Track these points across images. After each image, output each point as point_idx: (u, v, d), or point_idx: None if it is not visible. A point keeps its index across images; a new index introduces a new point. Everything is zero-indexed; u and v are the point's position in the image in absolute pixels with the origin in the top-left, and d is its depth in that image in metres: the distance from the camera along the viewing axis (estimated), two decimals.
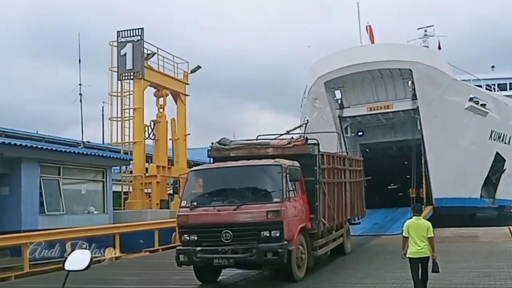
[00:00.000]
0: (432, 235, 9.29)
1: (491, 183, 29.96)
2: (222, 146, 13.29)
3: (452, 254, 15.52)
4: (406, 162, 29.18)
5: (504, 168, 30.71)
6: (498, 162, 30.10)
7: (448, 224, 23.65)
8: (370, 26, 29.70)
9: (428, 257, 9.25)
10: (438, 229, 22.76)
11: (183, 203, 11.70)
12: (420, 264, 9.28)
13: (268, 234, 10.90)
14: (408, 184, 28.71)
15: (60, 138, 26.88)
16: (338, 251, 15.66)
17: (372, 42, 29.26)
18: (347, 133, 29.06)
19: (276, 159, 11.87)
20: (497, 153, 29.84)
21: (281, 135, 32.22)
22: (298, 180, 11.75)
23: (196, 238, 11.16)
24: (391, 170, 31.25)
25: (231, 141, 13.61)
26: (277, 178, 11.29)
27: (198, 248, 11.04)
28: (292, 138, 13.85)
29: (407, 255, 9.37)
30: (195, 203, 11.48)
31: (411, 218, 9.76)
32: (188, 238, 11.29)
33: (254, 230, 10.97)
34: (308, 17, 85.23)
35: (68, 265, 4.74)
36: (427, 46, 32.04)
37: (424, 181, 27.23)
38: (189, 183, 11.97)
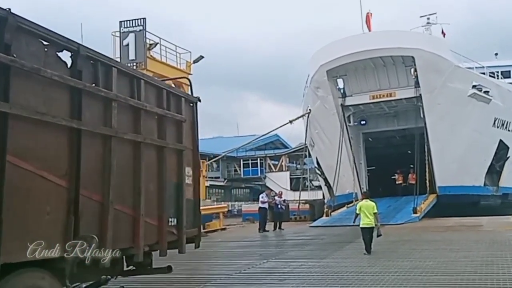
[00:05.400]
0: (376, 211, 13.93)
1: (494, 170, 29.95)
2: None
3: (455, 243, 15.62)
4: (409, 151, 29.18)
5: (508, 155, 30.68)
6: (502, 149, 30.06)
7: (451, 212, 23.71)
8: (370, 13, 29.57)
9: (373, 227, 13.75)
10: (442, 219, 23.06)
11: None
12: (368, 232, 13.71)
13: None
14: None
15: None
16: None
17: (369, 30, 29.17)
18: (349, 122, 29.04)
19: None
20: (500, 140, 29.80)
21: (284, 124, 32.30)
22: None
23: None
24: (394, 159, 31.25)
25: None
26: None
27: None
28: None
29: (360, 226, 13.83)
30: None
31: (361, 200, 14.78)
32: None
33: None
34: (309, 7, 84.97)
35: None
36: (430, 34, 31.89)
37: (427, 170, 27.22)
38: None
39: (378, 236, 13.88)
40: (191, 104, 8.42)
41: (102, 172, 5.88)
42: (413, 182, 27.96)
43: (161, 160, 7.13)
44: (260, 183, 59.47)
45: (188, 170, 8.00)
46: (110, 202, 5.86)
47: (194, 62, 28.23)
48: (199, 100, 8.70)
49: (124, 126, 6.30)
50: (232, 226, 30.04)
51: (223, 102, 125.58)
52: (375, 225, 13.88)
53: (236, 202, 56.53)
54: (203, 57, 28.56)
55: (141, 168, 6.56)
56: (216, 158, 46.04)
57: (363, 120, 30.27)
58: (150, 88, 7.11)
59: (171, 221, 7.42)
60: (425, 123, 26.56)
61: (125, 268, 6.98)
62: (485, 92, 27.71)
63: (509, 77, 35.05)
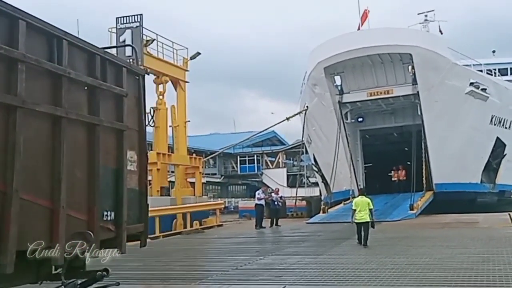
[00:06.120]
0: (372, 207, 14.56)
1: (491, 168, 30.00)
2: None
3: (451, 239, 15.62)
4: (406, 148, 29.18)
5: (505, 153, 30.71)
6: (499, 147, 30.11)
7: (448, 209, 23.73)
8: (367, 11, 29.55)
9: (367, 222, 14.36)
10: (439, 216, 23.07)
11: None
12: (362, 227, 14.40)
13: None
14: (409, 171, 28.75)
15: None
16: None
17: (360, 27, 29.17)
18: (347, 119, 29.02)
19: None
20: (497, 138, 29.84)
21: (281, 121, 32.32)
22: None
23: None
24: (391, 156, 31.28)
25: None
26: None
27: None
28: None
29: (354, 221, 14.51)
30: None
31: (357, 197, 15.57)
32: None
33: None
34: (308, 3, 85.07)
35: None
36: (428, 31, 31.90)
37: (424, 167, 27.24)
38: None
39: (372, 227, 14.62)
40: (137, 77, 6.86)
41: (3, 153, 4.57)
42: (403, 178, 28.16)
43: (92, 141, 5.70)
44: (257, 179, 59.50)
45: (132, 155, 6.54)
46: (15, 191, 4.58)
47: (191, 58, 28.16)
48: (147, 73, 7.18)
49: (37, 95, 4.96)
50: (229, 223, 30.03)
51: (220, 99, 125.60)
52: (371, 218, 14.49)
53: (233, 199, 56.56)
54: (200, 53, 28.50)
55: (62, 149, 5.17)
56: (213, 154, 46.02)
57: (360, 117, 30.27)
58: (77, 52, 5.61)
59: (106, 215, 6.06)
60: (422, 120, 26.56)
61: (53, 272, 5.73)
62: (482, 89, 27.72)
63: (506, 74, 35.12)
